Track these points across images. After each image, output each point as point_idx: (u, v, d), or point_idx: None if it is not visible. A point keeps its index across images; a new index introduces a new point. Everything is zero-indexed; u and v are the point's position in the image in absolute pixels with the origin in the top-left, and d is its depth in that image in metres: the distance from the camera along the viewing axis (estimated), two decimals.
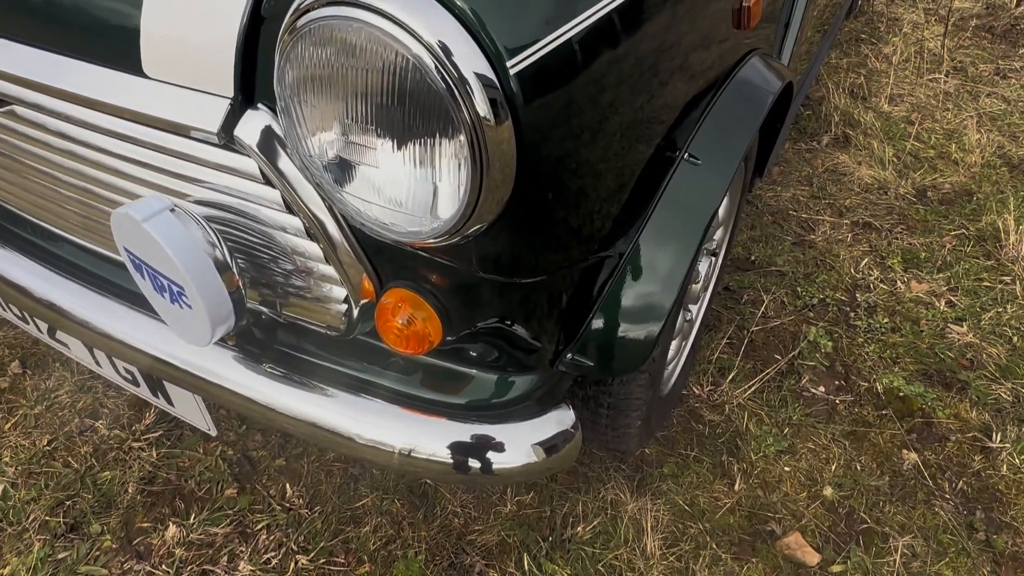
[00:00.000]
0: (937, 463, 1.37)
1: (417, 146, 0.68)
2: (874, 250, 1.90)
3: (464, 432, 0.90)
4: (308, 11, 0.64)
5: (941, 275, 1.80)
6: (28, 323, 1.21)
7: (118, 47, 0.80)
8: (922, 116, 2.51)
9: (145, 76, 0.80)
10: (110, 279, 1.09)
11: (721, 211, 1.28)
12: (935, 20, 3.21)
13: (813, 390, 1.51)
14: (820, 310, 1.69)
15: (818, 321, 1.66)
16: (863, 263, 1.84)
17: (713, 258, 1.42)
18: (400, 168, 0.69)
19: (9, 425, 1.40)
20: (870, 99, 2.59)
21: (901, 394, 1.49)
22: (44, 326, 1.17)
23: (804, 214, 2.03)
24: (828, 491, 1.32)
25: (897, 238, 1.95)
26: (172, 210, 0.80)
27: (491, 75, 0.62)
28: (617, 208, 0.87)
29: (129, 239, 0.82)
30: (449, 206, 0.69)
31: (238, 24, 0.73)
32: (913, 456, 1.38)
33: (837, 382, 1.53)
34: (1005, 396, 1.50)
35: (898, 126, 2.44)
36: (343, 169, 0.71)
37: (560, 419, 0.94)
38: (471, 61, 0.61)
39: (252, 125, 0.76)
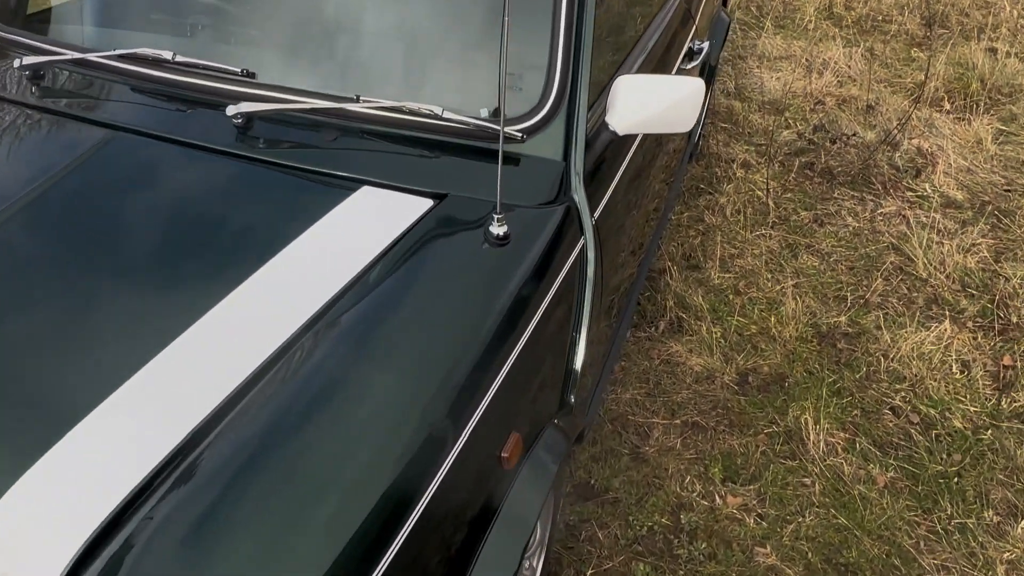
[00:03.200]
0: None
1: None
2: (699, 457, 2.14)
3: None
4: None
5: (753, 486, 2.06)
6: None
7: None
8: (748, 283, 2.81)
9: None
10: None
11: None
12: (765, 161, 3.57)
13: None
14: (648, 541, 1.91)
15: (646, 555, 1.87)
16: (688, 479, 2.07)
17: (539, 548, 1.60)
18: None
19: None
20: (704, 266, 2.88)
21: None
22: None
23: (640, 418, 2.26)
24: None
25: (720, 438, 2.20)
26: None
27: None
28: None
29: None
30: None
31: None
32: None
33: None
34: None
35: (726, 300, 2.72)
36: None
37: None
38: None
39: None
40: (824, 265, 2.93)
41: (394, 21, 1.45)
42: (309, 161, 1.34)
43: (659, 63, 1.97)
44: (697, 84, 1.47)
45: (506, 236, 1.23)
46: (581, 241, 1.42)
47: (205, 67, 1.44)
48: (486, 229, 1.24)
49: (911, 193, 3.37)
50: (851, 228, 3.15)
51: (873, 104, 4.05)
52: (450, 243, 1.24)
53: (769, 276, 2.85)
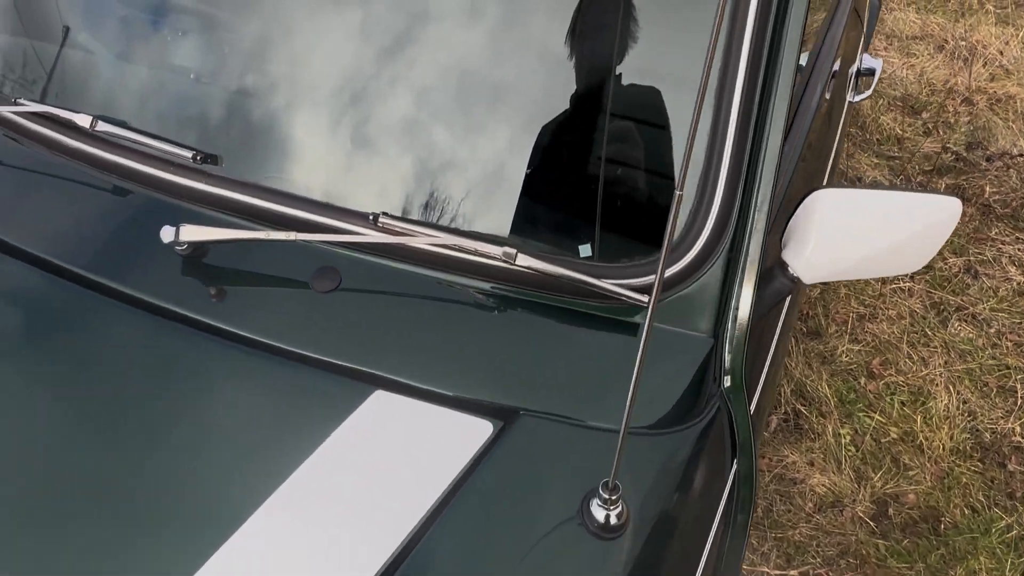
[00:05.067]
0: None
1: None
2: None
3: None
4: None
5: None
6: None
7: None
8: (884, 362, 2.19)
9: None
10: None
11: None
12: (901, 181, 2.88)
13: None
14: None
15: None
16: None
17: None
18: None
19: None
20: (825, 332, 2.27)
21: None
22: None
23: (745, 563, 1.72)
24: None
25: None
26: None
27: None
28: None
29: None
30: None
31: None
32: None
33: None
34: None
35: (856, 386, 2.12)
36: None
37: None
38: None
39: None
40: (982, 339, 2.28)
41: (443, 86, 0.87)
42: (288, 336, 0.80)
43: (827, 112, 1.34)
44: (951, 209, 0.86)
45: (621, 524, 0.68)
46: (733, 468, 0.86)
47: (137, 144, 0.90)
48: (585, 508, 0.69)
49: None
50: (1015, 284, 2.47)
51: None
52: (521, 524, 0.70)
53: (912, 352, 2.22)
